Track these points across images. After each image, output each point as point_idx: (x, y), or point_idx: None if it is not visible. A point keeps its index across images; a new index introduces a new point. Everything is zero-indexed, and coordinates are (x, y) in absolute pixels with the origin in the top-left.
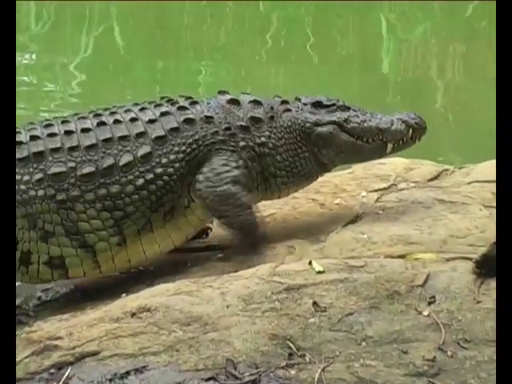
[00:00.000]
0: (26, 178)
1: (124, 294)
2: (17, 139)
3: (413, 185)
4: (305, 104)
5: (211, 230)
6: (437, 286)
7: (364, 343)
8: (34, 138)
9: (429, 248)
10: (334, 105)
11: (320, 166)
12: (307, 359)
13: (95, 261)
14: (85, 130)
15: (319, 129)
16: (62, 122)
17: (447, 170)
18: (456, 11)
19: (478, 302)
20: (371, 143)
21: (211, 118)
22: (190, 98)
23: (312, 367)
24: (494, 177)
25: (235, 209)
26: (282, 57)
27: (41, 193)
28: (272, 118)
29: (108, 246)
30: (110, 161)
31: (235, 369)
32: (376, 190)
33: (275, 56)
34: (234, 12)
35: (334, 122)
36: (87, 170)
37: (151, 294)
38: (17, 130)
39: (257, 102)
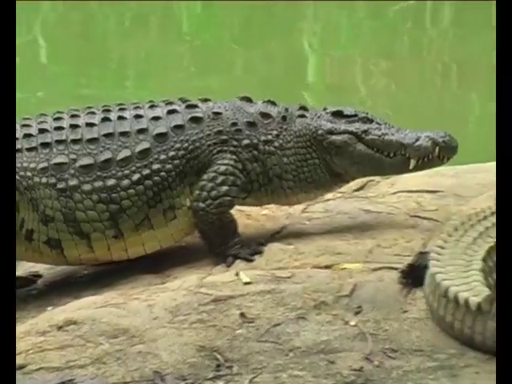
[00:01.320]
0: (33, 165)
1: (50, 307)
2: (27, 131)
3: (339, 195)
4: (326, 113)
5: None
6: (363, 296)
7: (291, 354)
8: (42, 130)
9: (355, 258)
10: (355, 116)
11: (334, 176)
12: (235, 370)
13: (90, 246)
14: (89, 125)
15: (333, 137)
16: (71, 116)
17: (372, 180)
18: (380, 13)
19: (405, 311)
20: (392, 157)
21: (219, 114)
22: (206, 99)
23: (239, 378)
24: (418, 186)
25: (222, 236)
26: (206, 69)
27: (44, 180)
28: (284, 118)
29: (103, 236)
30: (107, 155)
31: (163, 381)
32: None
33: (199, 68)
34: (159, 19)
35: (350, 132)
36: (85, 161)
37: (78, 306)
38: (28, 121)
39: (272, 102)
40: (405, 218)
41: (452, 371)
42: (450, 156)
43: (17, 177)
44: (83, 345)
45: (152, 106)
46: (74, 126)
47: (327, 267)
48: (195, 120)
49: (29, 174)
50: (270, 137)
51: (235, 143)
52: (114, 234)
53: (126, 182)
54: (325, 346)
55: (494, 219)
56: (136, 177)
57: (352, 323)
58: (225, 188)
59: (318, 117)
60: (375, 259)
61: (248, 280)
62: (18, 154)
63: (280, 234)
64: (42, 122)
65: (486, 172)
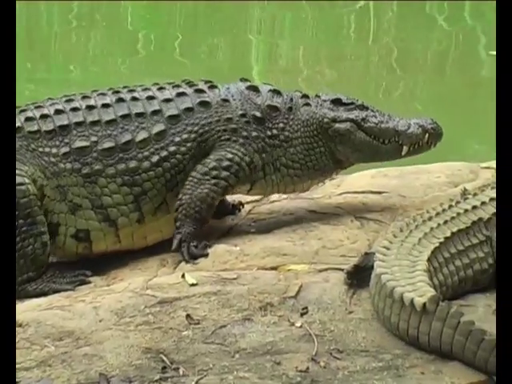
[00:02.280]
0: (55, 150)
1: None
2: (41, 112)
3: (284, 196)
4: (324, 100)
5: (243, 206)
6: (309, 297)
7: (237, 355)
8: (58, 111)
9: (301, 259)
10: (352, 103)
11: (336, 163)
12: (181, 372)
13: (117, 235)
14: (105, 106)
15: (337, 125)
16: (83, 98)
17: None
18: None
19: (350, 312)
20: (387, 144)
21: (227, 101)
22: (210, 81)
23: (186, 380)
24: (363, 187)
25: (194, 211)
26: (150, 69)
27: (68, 166)
28: (290, 109)
29: (129, 221)
30: (127, 136)
31: (108, 383)
32: (248, 202)
33: (143, 68)
34: (104, 16)
35: (352, 120)
36: (107, 144)
37: (23, 309)
38: (38, 104)
39: (277, 92)
40: (350, 219)
41: (397, 371)
42: (437, 142)
43: (43, 163)
44: (28, 347)
45: (160, 88)
46: (89, 107)
47: (273, 268)
48: (203, 104)
49: (53, 159)
50: (275, 131)
51: (245, 134)
52: (138, 217)
53: (146, 163)
54: (271, 347)
55: (439, 220)
56: (155, 158)
57: (298, 324)
58: (226, 173)
59: (321, 105)
60: (321, 260)
61: (194, 281)
62: (37, 138)
63: (226, 236)
64: (54, 103)
65: (430, 173)
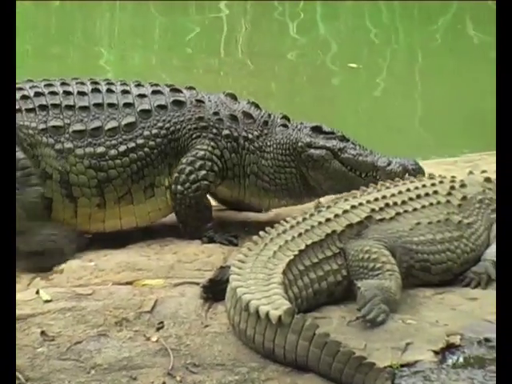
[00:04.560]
0: (34, 125)
1: None
2: (22, 93)
3: None
4: (305, 127)
5: None
6: (165, 312)
7: (93, 371)
8: (38, 94)
9: (156, 274)
10: (333, 133)
11: (307, 188)
12: None
13: (75, 211)
14: (81, 93)
15: (311, 151)
16: (61, 84)
17: None
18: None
19: (206, 326)
20: (364, 178)
21: (202, 102)
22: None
23: None
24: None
25: (198, 220)
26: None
27: (44, 140)
28: (266, 123)
29: (89, 203)
30: (97, 123)
31: None
32: None
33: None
34: None
35: (328, 148)
36: (77, 127)
37: None
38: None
39: (256, 105)
40: None
41: None
42: None
43: (21, 135)
44: None
45: (138, 85)
46: (67, 93)
47: (128, 283)
48: (177, 103)
49: (31, 131)
50: (250, 135)
51: (215, 131)
52: (98, 202)
53: (113, 151)
54: (127, 362)
55: (293, 232)
56: (122, 148)
57: (154, 339)
58: (203, 173)
59: (299, 129)
60: (176, 274)
61: (48, 298)
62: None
63: (81, 251)
64: (34, 86)
65: None
